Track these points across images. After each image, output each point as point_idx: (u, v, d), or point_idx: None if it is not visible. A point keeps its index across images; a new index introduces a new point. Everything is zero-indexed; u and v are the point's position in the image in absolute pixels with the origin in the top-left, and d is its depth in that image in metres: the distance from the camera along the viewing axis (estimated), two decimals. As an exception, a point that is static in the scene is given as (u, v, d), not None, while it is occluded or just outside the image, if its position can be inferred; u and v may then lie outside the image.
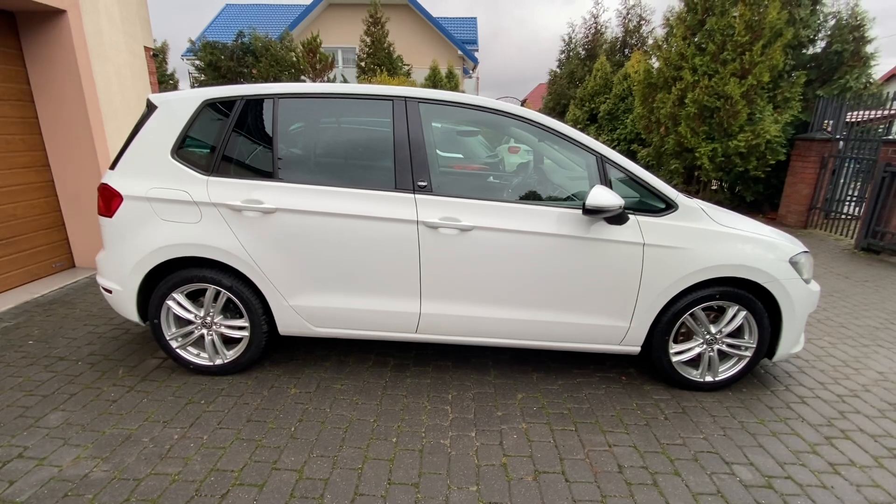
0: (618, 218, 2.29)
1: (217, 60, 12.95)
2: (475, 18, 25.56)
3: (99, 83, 4.01)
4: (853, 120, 6.91)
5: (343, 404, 2.37)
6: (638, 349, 2.52)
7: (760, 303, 2.42)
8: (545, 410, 2.37)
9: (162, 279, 2.45)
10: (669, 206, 2.39)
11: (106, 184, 2.43)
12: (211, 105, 2.43)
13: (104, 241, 2.50)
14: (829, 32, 7.68)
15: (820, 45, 7.87)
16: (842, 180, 6.78)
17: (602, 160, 2.37)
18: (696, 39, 7.54)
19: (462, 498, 1.80)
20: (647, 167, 10.68)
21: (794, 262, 2.41)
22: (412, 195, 2.32)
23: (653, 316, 2.42)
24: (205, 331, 2.53)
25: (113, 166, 2.47)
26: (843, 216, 6.73)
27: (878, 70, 7.88)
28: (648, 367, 2.80)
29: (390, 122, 2.37)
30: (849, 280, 4.76)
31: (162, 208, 2.36)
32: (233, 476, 1.88)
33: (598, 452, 2.06)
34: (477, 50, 24.56)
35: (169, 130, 2.41)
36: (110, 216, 2.41)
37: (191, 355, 2.59)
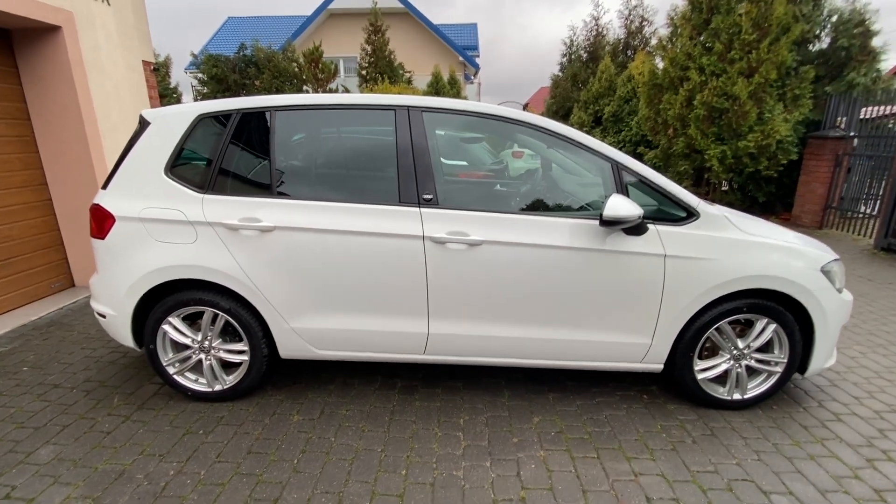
0: (636, 228, 2.15)
1: (220, 73, 12.99)
2: (475, 24, 25.59)
3: (96, 99, 3.94)
4: (867, 116, 6.73)
5: (349, 432, 2.24)
6: (661, 367, 2.37)
7: (791, 315, 2.26)
8: (564, 435, 2.22)
9: (157, 303, 2.34)
10: (691, 215, 2.25)
11: (98, 204, 2.33)
12: (206, 119, 2.32)
13: (97, 264, 2.40)
14: (833, 28, 7.52)
15: (825, 42, 7.70)
16: (856, 178, 6.59)
17: (617, 167, 2.24)
18: (701, 39, 7.40)
19: (479, 539, 1.65)
20: (656, 170, 10.54)
21: (826, 271, 2.26)
22: (417, 209, 2.19)
23: (676, 331, 2.28)
24: (203, 355, 2.42)
25: (105, 185, 2.38)
26: (861, 215, 6.53)
27: (888, 65, 7.71)
28: (671, 384, 2.64)
29: (392, 133, 2.25)
30: (872, 283, 4.57)
31: (156, 229, 2.26)
32: (231, 517, 1.75)
33: (623, 483, 1.91)
34: (478, 55, 24.57)
35: (162, 147, 2.31)
36: (103, 238, 2.31)
37: (189, 381, 2.47)
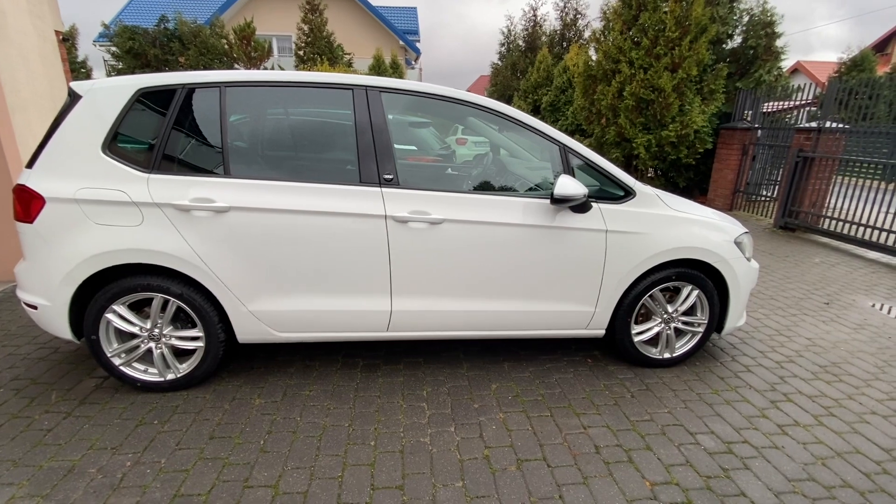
0: (582, 206, 2.34)
1: (137, 47, 11.86)
2: (415, 8, 25.21)
3: (2, 71, 3.51)
4: (769, 110, 7.59)
5: (314, 411, 2.26)
6: (603, 332, 2.62)
7: (710, 282, 2.58)
8: (520, 398, 2.40)
9: (98, 290, 2.20)
10: (628, 194, 2.48)
11: (23, 185, 2.13)
12: (147, 94, 2.19)
13: (25, 251, 2.20)
14: (744, 28, 8.35)
15: (737, 41, 8.53)
16: (759, 166, 7.44)
17: (565, 149, 2.41)
18: (631, 33, 7.90)
19: (449, 495, 1.77)
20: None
21: (738, 243, 2.60)
22: (379, 189, 2.23)
23: (616, 299, 2.52)
24: (153, 344, 2.31)
25: (30, 164, 2.17)
26: (763, 198, 7.40)
27: (787, 64, 8.68)
28: (611, 348, 2.92)
29: (351, 113, 2.26)
30: (773, 256, 5.24)
31: (95, 211, 2.11)
32: (201, 500, 1.73)
33: (574, 435, 2.12)
34: (418, 40, 24.30)
35: (98, 123, 2.15)
36: (31, 221, 2.12)
37: (137, 372, 2.35)
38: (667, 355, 2.71)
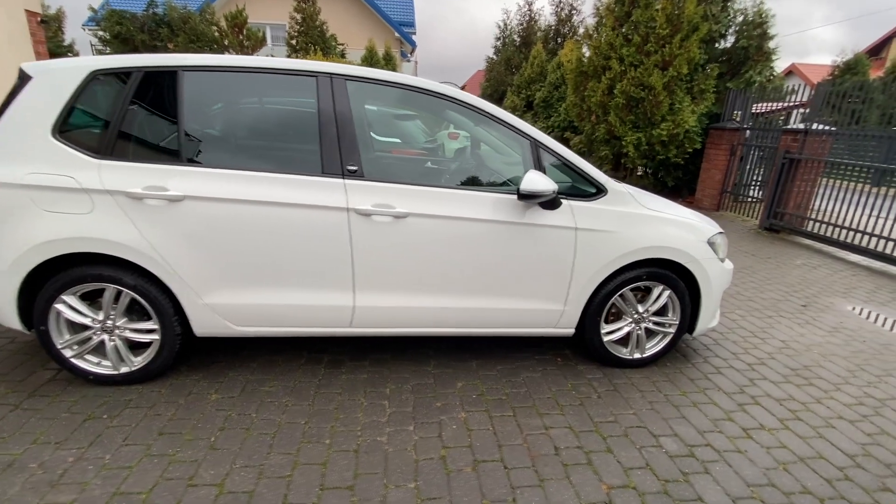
0: (551, 203, 2.29)
1: (125, 32, 11.63)
2: (412, 0, 24.96)
3: (-37, 50, 3.39)
4: (758, 111, 7.57)
5: (271, 408, 2.20)
6: (572, 331, 2.57)
7: (682, 282, 2.54)
8: (484, 397, 2.35)
9: (48, 279, 2.12)
10: (600, 191, 2.43)
11: (-32, 169, 2.04)
12: (101, 76, 2.10)
13: (-30, 237, 2.11)
14: (737, 28, 8.31)
15: (730, 41, 8.50)
16: (748, 166, 7.43)
17: (536, 145, 2.35)
18: (623, 30, 7.84)
19: (400, 497, 1.72)
20: (580, 154, 11.13)
21: (711, 243, 2.56)
22: (341, 180, 2.16)
23: (586, 298, 2.48)
24: (106, 336, 2.24)
25: (-24, 148, 2.08)
26: (750, 199, 7.39)
27: (777, 65, 8.65)
28: (582, 347, 2.87)
29: (315, 101, 2.19)
30: (755, 257, 5.23)
31: (42, 197, 2.03)
32: (140, 499, 1.67)
33: (535, 436, 2.08)
34: (414, 33, 24.08)
35: (48, 105, 2.06)
36: (-24, 207, 2.03)
37: (90, 364, 2.28)
38: (637, 356, 2.67)
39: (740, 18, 8.36)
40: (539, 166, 2.34)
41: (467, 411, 2.23)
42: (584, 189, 2.43)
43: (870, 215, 5.26)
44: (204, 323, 2.27)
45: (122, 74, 2.12)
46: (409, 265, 2.28)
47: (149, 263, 2.11)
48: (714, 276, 2.56)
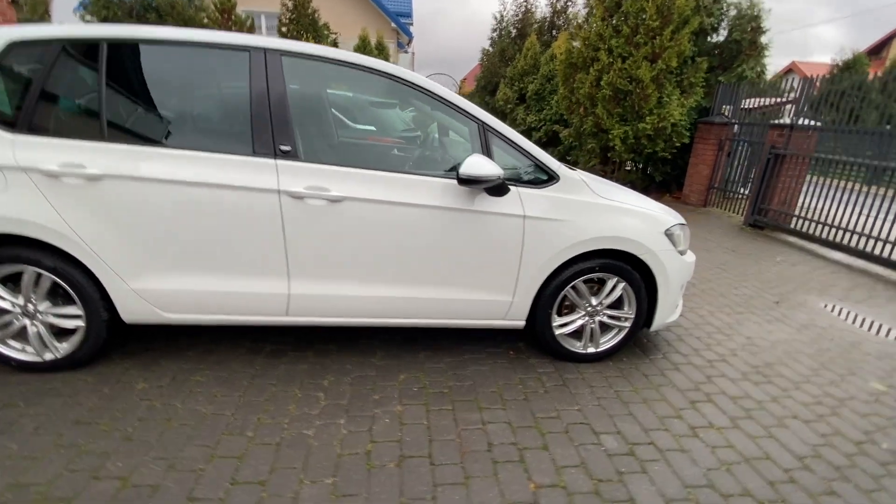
0: (498, 189, 2.18)
1: (112, 17, 11.45)
2: (409, -10, 24.63)
3: None
4: (749, 106, 7.44)
5: (199, 398, 2.11)
6: (522, 323, 2.48)
7: (638, 274, 2.45)
8: (426, 390, 2.26)
9: (-37, 260, 2.02)
10: (551, 178, 2.32)
11: None
12: (19, 47, 1.99)
13: None
14: (730, 22, 8.16)
15: (723, 34, 8.35)
16: (737, 162, 7.31)
17: (484, 128, 2.24)
18: (613, 21, 7.68)
19: (314, 493, 1.63)
20: (570, 147, 10.97)
21: (669, 234, 2.45)
22: (273, 161, 2.06)
23: (535, 289, 2.38)
24: (27, 321, 2.14)
25: None
26: (738, 196, 7.28)
27: (777, 62, 8.52)
28: (536, 341, 2.78)
29: (247, 76, 2.07)
30: (734, 253, 5.13)
31: (-47, 173, 1.92)
32: (36, 491, 1.58)
33: (470, 431, 1.99)
34: (411, 24, 23.83)
35: (-39, 77, 1.95)
36: None
37: (13, 350, 2.18)
38: (591, 350, 2.58)
39: (734, 12, 8.21)
40: (487, 150, 2.23)
41: (405, 405, 2.14)
42: (536, 176, 2.32)
43: (858, 213, 5.16)
44: (131, 309, 2.16)
45: (41, 45, 2.00)
46: (346, 252, 2.17)
47: (68, 245, 2.00)
48: (672, 268, 2.46)
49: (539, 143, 12.19)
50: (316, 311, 2.27)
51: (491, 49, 16.37)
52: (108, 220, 2.00)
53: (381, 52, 14.59)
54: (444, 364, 2.50)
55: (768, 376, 2.61)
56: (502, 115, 14.25)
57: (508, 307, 2.39)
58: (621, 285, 2.46)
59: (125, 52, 2.06)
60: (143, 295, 2.13)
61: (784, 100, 7.03)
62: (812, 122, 5.91)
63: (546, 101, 11.81)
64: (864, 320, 3.53)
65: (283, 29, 14.19)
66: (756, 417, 2.23)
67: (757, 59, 8.13)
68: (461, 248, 2.25)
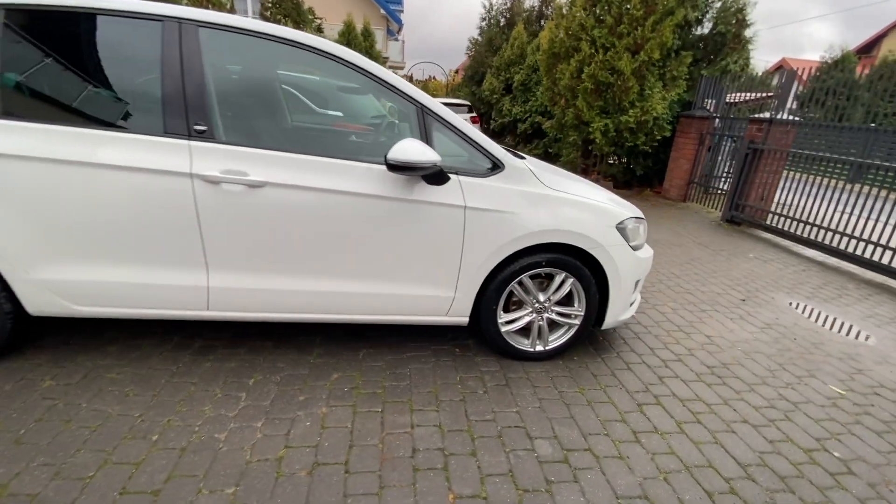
0: (436, 177, 2.04)
1: None
2: (399, -23, 24.19)
3: None
4: (733, 101, 7.34)
5: (107, 398, 1.96)
6: (466, 320, 2.35)
7: (587, 270, 2.32)
8: (357, 391, 2.12)
9: None
10: (496, 167, 2.18)
11: None
12: None
13: None
14: (714, 14, 8.02)
15: (707, 27, 8.21)
16: (719, 157, 7.22)
17: (423, 112, 2.09)
18: (596, 10, 7.51)
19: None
20: (553, 139, 10.81)
21: (621, 228, 2.33)
22: (186, 141, 1.89)
23: (478, 284, 2.24)
24: (-81, 312, 1.96)
25: None
26: (719, 191, 7.20)
27: (767, 59, 8.42)
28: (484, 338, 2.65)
29: (159, 48, 1.89)
30: (707, 249, 5.05)
31: None
32: None
33: (395, 436, 1.86)
34: (401, 11, 23.45)
35: None
36: None
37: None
38: (539, 348, 2.46)
39: (718, 4, 8.06)
40: (426, 135, 2.08)
41: (331, 406, 2.01)
42: (479, 164, 2.18)
43: (834, 210, 5.09)
44: (36, 301, 2.00)
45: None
46: (270, 243, 2.02)
47: (-44, 230, 1.82)
48: (624, 264, 2.34)
49: (525, 134, 12.04)
50: (239, 306, 2.12)
51: (480, 39, 16.10)
52: (4, 203, 1.82)
53: (367, 38, 14.28)
54: (384, 362, 2.36)
55: (723, 378, 2.51)
56: (489, 106, 14.07)
57: (450, 303, 2.26)
58: (570, 281, 2.33)
59: (24, 20, 1.86)
60: (48, 286, 1.96)
61: (768, 94, 6.95)
62: (792, 118, 5.81)
63: (532, 92, 11.63)
64: (830, 319, 3.46)
65: (266, 13, 13.82)
66: (704, 422, 2.12)
67: (741, 52, 8.02)
68: (398, 239, 2.11)
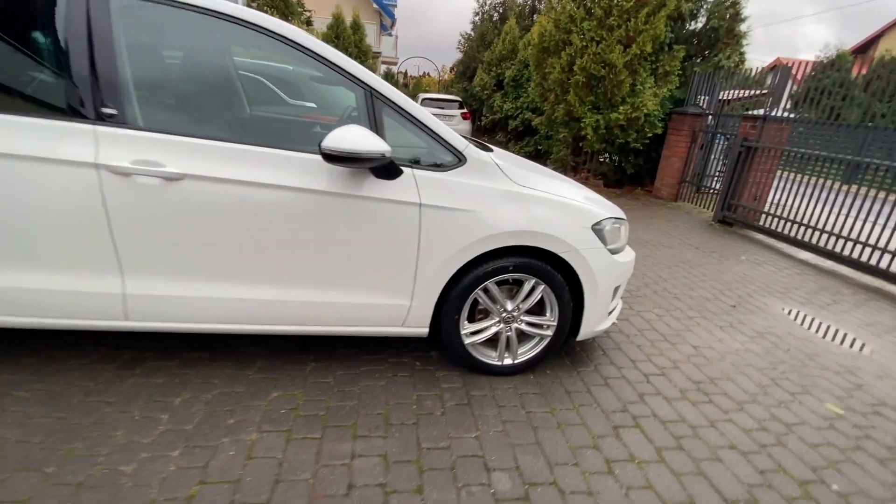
0: (385, 170, 1.79)
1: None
2: (392, -29, 23.86)
3: None
4: (726, 98, 7.13)
5: (8, 420, 1.70)
6: (426, 331, 2.11)
7: (560, 275, 2.09)
8: (296, 412, 1.88)
9: None
10: (458, 160, 1.94)
11: None
12: None
13: None
14: (708, 8, 7.81)
15: (700, 21, 8.00)
16: (712, 156, 7.01)
17: (372, 96, 1.84)
18: (585, 2, 7.27)
19: (92, 559, 1.25)
20: (547, 137, 10.57)
21: (597, 230, 2.09)
22: (91, 126, 1.63)
23: (438, 291, 2.00)
24: None
25: None
26: (711, 190, 6.99)
27: (763, 59, 8.22)
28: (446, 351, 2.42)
29: (62, 19, 1.63)
30: (697, 251, 4.83)
31: None
32: None
33: (331, 468, 1.61)
34: (395, 6, 23.13)
35: None
36: None
37: None
38: (508, 361, 2.22)
39: (713, -2, 7.85)
40: (375, 122, 1.84)
41: (262, 432, 1.76)
42: (439, 156, 1.93)
43: (829, 211, 4.89)
44: (-78, 308, 1.73)
45: None
46: (195, 244, 1.77)
47: None
48: (600, 269, 2.11)
49: (515, 132, 11.81)
50: (163, 316, 1.87)
51: (472, 34, 15.85)
52: None
53: (357, 31, 13.97)
54: (333, 378, 2.12)
55: (710, 395, 2.29)
56: (479, 102, 13.82)
57: (406, 312, 2.02)
58: (541, 288, 2.10)
59: None
60: (-65, 292, 1.70)
61: (763, 91, 6.75)
62: (787, 114, 5.61)
63: (524, 89, 11.39)
64: (825, 328, 3.25)
65: (252, 4, 13.47)
66: (687, 448, 1.90)
67: (735, 48, 7.81)
68: (344, 241, 1.86)
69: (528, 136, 11.40)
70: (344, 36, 13.50)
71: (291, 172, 1.77)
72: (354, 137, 1.65)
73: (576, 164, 8.41)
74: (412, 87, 30.75)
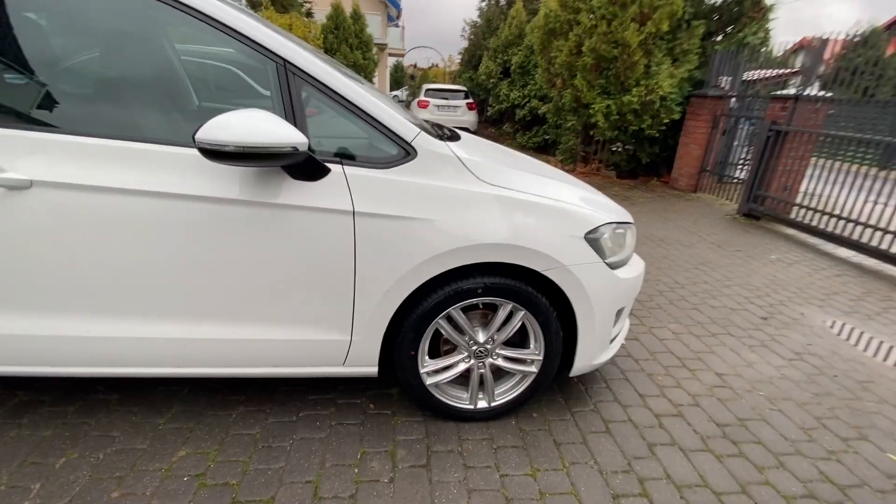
0: (303, 168, 1.36)
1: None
2: (397, -41, 23.30)
3: None
4: (751, 78, 6.48)
5: None
6: (375, 370, 1.68)
7: (545, 298, 1.63)
8: (202, 480, 1.47)
9: None
10: (405, 153, 1.49)
11: None
12: None
13: None
14: (731, -21, 7.12)
15: (723, -6, 7.31)
16: (735, 142, 6.39)
17: (286, 70, 1.40)
18: (595, -23, 6.67)
19: None
20: (555, 127, 9.99)
21: (592, 239, 1.63)
22: None
23: (384, 322, 1.57)
24: None
25: None
26: (733, 180, 6.38)
27: (787, 39, 7.53)
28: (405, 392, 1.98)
29: None
30: (720, 250, 4.28)
31: None
32: None
33: (224, 574, 1.20)
34: (400, -4, 22.56)
35: None
36: None
37: None
38: (483, 405, 1.78)
39: (736, -33, 7.15)
40: (291, 105, 1.40)
41: (150, 511, 1.36)
42: (380, 149, 1.49)
43: (874, 203, 4.29)
44: None
45: None
46: (58, 269, 1.37)
47: None
48: (596, 289, 1.64)
49: (524, 121, 11.22)
50: (31, 358, 1.48)
51: (478, 21, 15.23)
52: None
53: (357, 21, 13.50)
54: (262, 428, 1.71)
55: (739, 443, 1.81)
56: (486, 92, 13.25)
57: (347, 349, 1.59)
58: (520, 314, 1.65)
59: None
60: None
61: (791, 70, 6.10)
62: (822, 94, 4.98)
63: (531, 76, 10.79)
64: (877, 344, 2.71)
65: (251, -4, 13.12)
66: (710, 528, 1.44)
67: (760, 23, 7.11)
68: (260, 263, 1.44)
69: (536, 125, 10.83)
70: (344, 27, 13.04)
71: (183, 175, 1.35)
72: (249, 125, 1.21)
73: (586, 154, 7.85)
74: (419, 78, 30.14)
